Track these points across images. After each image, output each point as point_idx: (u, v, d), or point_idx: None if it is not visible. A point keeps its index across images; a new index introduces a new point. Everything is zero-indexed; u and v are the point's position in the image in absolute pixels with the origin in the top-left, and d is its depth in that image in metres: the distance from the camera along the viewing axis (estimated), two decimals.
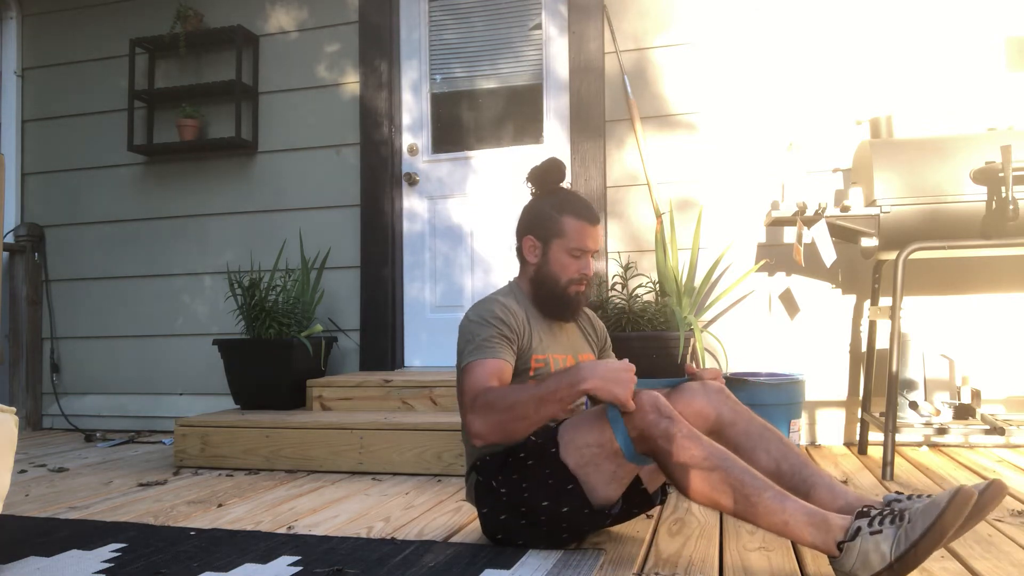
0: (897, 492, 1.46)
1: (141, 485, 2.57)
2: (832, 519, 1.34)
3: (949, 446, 2.97)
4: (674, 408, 1.54)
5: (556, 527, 1.64)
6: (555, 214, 1.76)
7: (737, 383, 2.64)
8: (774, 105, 3.19)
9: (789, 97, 3.17)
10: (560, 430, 1.63)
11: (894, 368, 2.48)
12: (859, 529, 1.29)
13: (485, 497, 1.70)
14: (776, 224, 2.83)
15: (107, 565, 1.63)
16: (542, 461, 1.61)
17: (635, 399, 1.49)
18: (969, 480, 2.37)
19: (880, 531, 1.27)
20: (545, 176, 1.81)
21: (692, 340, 2.88)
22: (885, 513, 1.31)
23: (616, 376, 1.49)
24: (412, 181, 3.67)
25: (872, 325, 2.89)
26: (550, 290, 1.77)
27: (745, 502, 1.39)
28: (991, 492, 1.28)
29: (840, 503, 1.47)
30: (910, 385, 2.82)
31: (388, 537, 1.82)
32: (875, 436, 2.94)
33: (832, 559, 1.34)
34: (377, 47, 3.64)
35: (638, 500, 1.70)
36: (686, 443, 1.44)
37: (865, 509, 1.34)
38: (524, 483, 1.62)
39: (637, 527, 1.89)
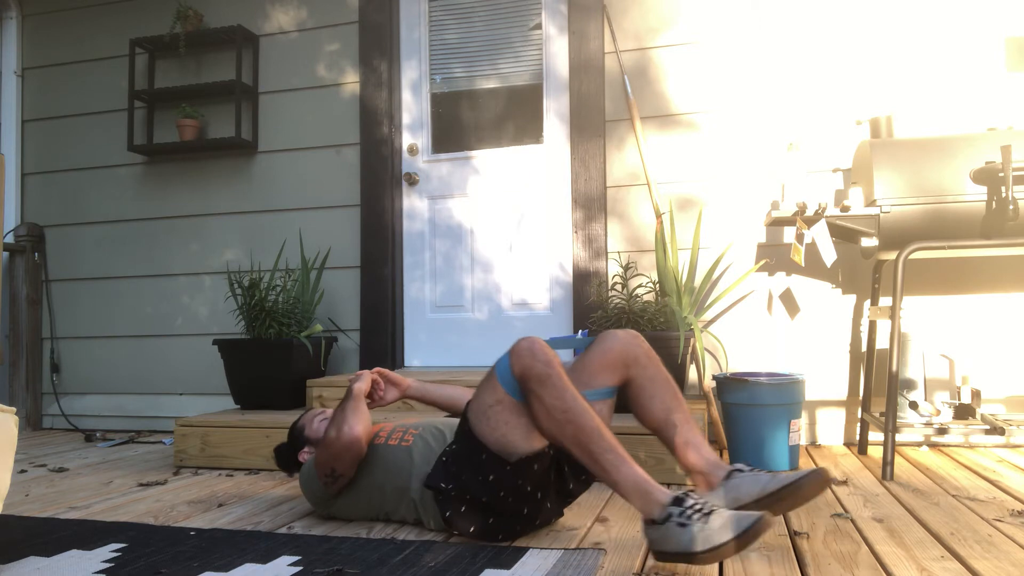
0: (744, 465, 1.71)
1: (141, 485, 2.57)
2: (655, 494, 1.52)
3: (949, 446, 2.97)
4: (593, 351, 1.84)
5: (501, 503, 1.72)
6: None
7: (737, 383, 2.63)
8: (774, 105, 3.19)
9: (789, 97, 3.18)
10: (466, 408, 1.78)
11: (894, 368, 2.48)
12: (670, 515, 1.48)
13: (445, 503, 1.78)
14: (776, 224, 2.83)
15: (107, 565, 1.63)
16: (461, 440, 1.77)
17: (514, 345, 1.68)
18: (968, 480, 2.37)
19: (686, 525, 1.45)
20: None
21: (692, 340, 2.88)
22: (697, 507, 1.47)
23: (359, 375, 1.96)
24: (412, 181, 3.67)
25: (872, 325, 2.89)
26: None
27: (589, 458, 1.58)
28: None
29: (703, 463, 1.76)
30: (910, 385, 2.82)
31: (388, 537, 1.82)
32: (875, 436, 2.95)
33: (645, 521, 1.54)
34: (377, 47, 3.64)
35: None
36: (555, 392, 1.60)
37: (681, 496, 1.51)
38: (459, 472, 1.75)
39: (638, 528, 1.89)
